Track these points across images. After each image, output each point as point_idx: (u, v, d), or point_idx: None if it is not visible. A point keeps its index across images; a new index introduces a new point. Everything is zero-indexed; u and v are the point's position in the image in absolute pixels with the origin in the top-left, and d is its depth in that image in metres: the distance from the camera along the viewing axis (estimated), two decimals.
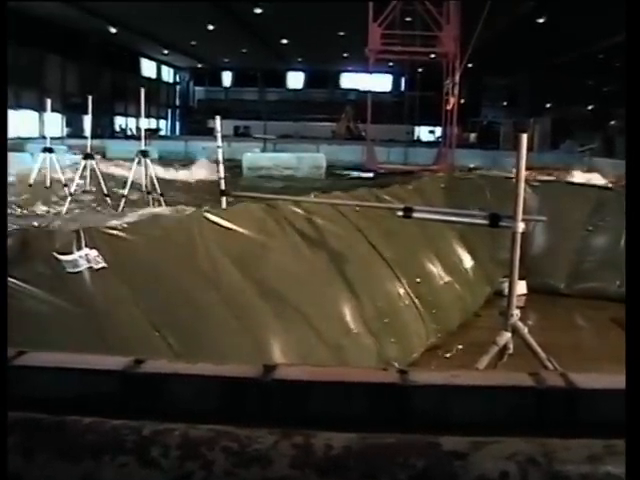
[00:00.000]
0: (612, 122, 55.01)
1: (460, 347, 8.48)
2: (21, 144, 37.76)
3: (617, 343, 8.71)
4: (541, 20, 44.10)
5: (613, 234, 11.33)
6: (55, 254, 4.80)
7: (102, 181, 19.95)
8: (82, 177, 19.99)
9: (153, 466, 1.33)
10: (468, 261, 10.55)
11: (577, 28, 43.77)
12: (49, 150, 20.84)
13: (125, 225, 5.93)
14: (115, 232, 5.62)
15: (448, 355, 8.24)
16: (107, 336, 4.80)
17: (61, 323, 4.60)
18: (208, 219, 6.68)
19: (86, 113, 24.59)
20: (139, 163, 19.29)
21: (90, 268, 4.98)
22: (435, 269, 9.55)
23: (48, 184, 20.73)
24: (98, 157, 21.88)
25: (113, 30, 53.79)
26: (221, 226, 6.72)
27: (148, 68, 76.86)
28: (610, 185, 14.14)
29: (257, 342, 6.05)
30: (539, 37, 47.11)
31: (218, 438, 1.37)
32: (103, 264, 5.09)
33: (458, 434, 1.46)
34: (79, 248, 4.98)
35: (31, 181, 20.91)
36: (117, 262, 5.28)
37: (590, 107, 64.02)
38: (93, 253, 5.05)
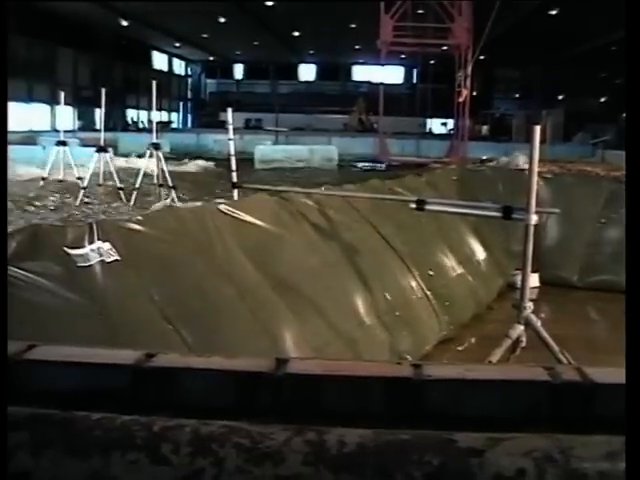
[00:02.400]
0: (624, 114, 54.78)
1: (473, 340, 8.48)
2: (33, 137, 37.84)
3: None
4: (553, 12, 43.94)
5: (625, 226, 11.29)
6: (65, 248, 4.79)
7: (115, 174, 19.97)
8: (95, 170, 20.01)
9: (164, 463, 1.31)
10: (481, 253, 10.53)
11: (590, 20, 43.61)
12: (63, 143, 20.88)
13: (139, 218, 5.93)
14: (129, 225, 5.61)
15: (461, 348, 8.23)
16: (120, 329, 4.79)
17: (72, 316, 4.59)
18: (222, 211, 6.67)
19: (98, 106, 24.68)
20: (151, 156, 19.32)
21: (102, 261, 4.97)
22: (448, 261, 9.53)
23: (61, 177, 20.79)
24: (111, 150, 21.85)
25: (125, 23, 53.75)
26: (235, 218, 6.71)
27: (160, 61, 76.81)
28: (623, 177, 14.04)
29: (271, 335, 6.04)
30: (551, 29, 46.94)
31: (230, 434, 1.36)
32: (116, 257, 5.08)
33: (473, 429, 1.44)
34: (91, 242, 4.97)
35: (45, 174, 20.97)
36: (131, 255, 5.27)
37: (603, 99, 63.81)
38: (106, 246, 5.04)
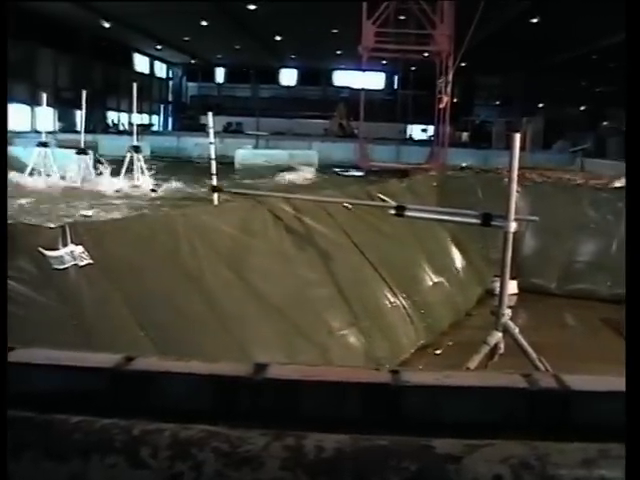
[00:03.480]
0: (605, 123, 55.07)
1: (451, 346, 8.49)
2: (12, 138, 37.69)
3: (607, 344, 8.76)
4: (535, 20, 44.13)
5: (604, 236, 11.37)
6: (41, 250, 4.77)
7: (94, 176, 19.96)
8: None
9: (142, 466, 1.31)
10: (459, 260, 10.56)
11: (571, 28, 43.83)
12: (44, 145, 20.83)
13: (113, 221, 5.93)
14: (103, 228, 5.60)
15: (439, 353, 8.25)
16: (92, 333, 4.78)
17: (46, 319, 4.58)
18: (195, 216, 6.66)
19: (78, 108, 24.58)
20: (131, 158, 19.33)
21: (75, 265, 4.95)
22: (426, 269, 9.55)
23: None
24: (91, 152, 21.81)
25: (106, 25, 53.64)
26: (211, 223, 6.70)
27: (141, 63, 76.65)
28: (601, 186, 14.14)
29: (240, 341, 6.03)
30: (533, 37, 47.15)
31: (209, 439, 1.36)
32: (89, 260, 5.07)
33: (450, 435, 1.45)
34: (65, 244, 4.96)
35: (26, 175, 20.93)
36: (104, 259, 5.25)
37: (583, 107, 64.12)
38: (79, 249, 5.03)
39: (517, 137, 6.09)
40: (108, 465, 1.32)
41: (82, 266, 5.01)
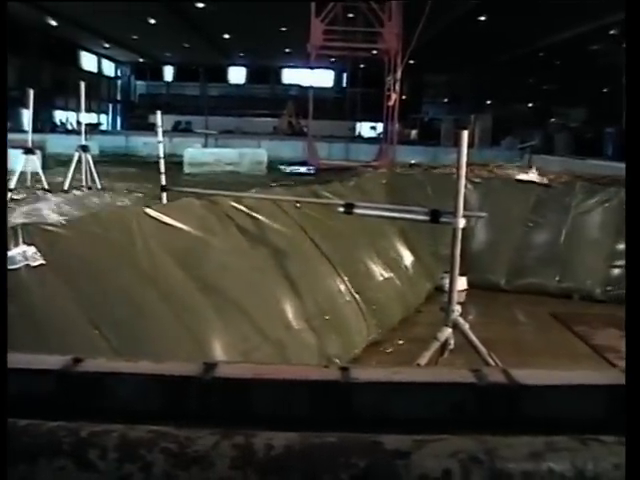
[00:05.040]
0: (552, 119, 55.56)
1: (402, 343, 8.52)
2: None
3: (557, 338, 8.85)
4: (482, 18, 44.42)
5: (552, 230, 11.48)
6: None
7: (43, 176, 19.74)
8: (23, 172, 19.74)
9: (91, 469, 1.30)
10: (409, 257, 10.59)
11: (518, 26, 44.15)
12: None
13: (65, 221, 5.87)
14: (54, 229, 5.55)
15: (390, 351, 8.27)
16: (45, 334, 4.74)
17: None
18: (148, 215, 6.62)
19: (25, 107, 24.27)
20: (79, 158, 19.15)
21: (27, 265, 4.91)
22: (376, 265, 9.57)
23: None
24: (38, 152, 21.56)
25: (54, 23, 53.18)
26: (161, 222, 6.67)
27: (89, 62, 76.01)
28: (548, 182, 14.26)
29: (198, 339, 6.01)
30: (480, 35, 47.43)
31: (157, 439, 1.35)
32: (41, 261, 5.02)
33: (400, 431, 1.46)
34: (16, 244, 4.91)
35: None
36: (56, 259, 5.21)
37: (530, 104, 64.63)
38: (31, 250, 4.98)
39: (465, 134, 6.12)
40: (56, 468, 1.31)
41: (35, 267, 4.97)
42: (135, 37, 63.13)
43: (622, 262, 10.96)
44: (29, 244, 5.00)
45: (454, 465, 1.31)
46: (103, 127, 74.28)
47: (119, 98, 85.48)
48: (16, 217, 14.91)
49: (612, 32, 44.63)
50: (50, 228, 5.54)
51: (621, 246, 11.06)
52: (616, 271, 11.00)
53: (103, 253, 5.84)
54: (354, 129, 73.63)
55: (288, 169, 35.53)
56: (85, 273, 5.51)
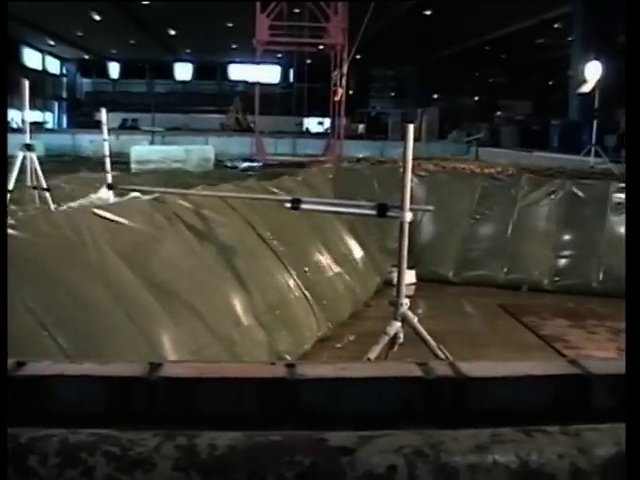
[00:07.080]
0: (498, 113, 56.03)
1: (351, 337, 8.53)
2: None
3: (505, 329, 8.92)
4: (428, 12, 44.66)
5: (499, 222, 11.56)
6: None
7: None
8: None
9: (31, 475, 1.28)
10: (357, 251, 10.59)
11: (463, 20, 44.46)
12: None
13: (11, 221, 5.80)
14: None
15: (339, 346, 8.28)
16: None
17: None
18: (96, 214, 6.57)
19: None
20: (24, 157, 18.93)
21: None
22: (324, 260, 9.57)
23: None
24: None
25: None
26: (109, 220, 6.62)
27: (33, 59, 75.28)
28: (496, 174, 14.35)
29: (147, 338, 5.97)
30: (427, 29, 47.69)
31: (99, 442, 1.34)
32: None
33: (347, 428, 1.45)
34: None
35: None
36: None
37: (476, 98, 65.13)
38: None
39: (411, 128, 6.13)
40: None
41: None
42: (80, 34, 62.63)
43: (569, 252, 11.07)
44: None
45: (399, 460, 1.31)
46: (49, 125, 73.62)
47: (65, 96, 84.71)
48: None
49: (556, 25, 45.10)
50: None
51: (567, 237, 11.17)
52: (563, 261, 11.11)
53: (52, 253, 5.78)
54: (301, 124, 73.67)
55: (235, 165, 35.44)
56: (34, 273, 5.45)
